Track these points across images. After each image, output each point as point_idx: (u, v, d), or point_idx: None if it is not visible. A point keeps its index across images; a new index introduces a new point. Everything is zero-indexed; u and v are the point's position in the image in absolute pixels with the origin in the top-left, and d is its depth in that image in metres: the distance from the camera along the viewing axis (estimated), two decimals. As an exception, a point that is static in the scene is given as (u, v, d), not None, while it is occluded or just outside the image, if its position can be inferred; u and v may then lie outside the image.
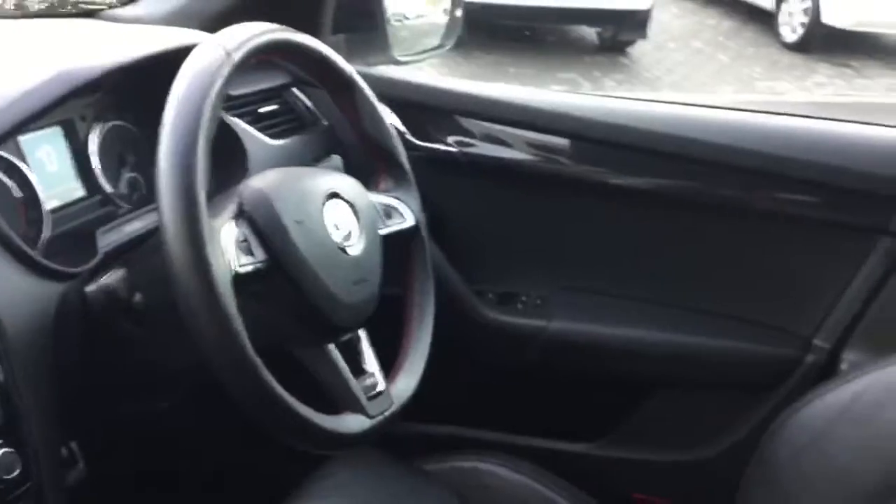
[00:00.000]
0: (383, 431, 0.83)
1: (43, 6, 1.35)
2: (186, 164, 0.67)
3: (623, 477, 1.25)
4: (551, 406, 1.25)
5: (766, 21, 6.90)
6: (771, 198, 1.15)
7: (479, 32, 5.29)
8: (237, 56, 0.73)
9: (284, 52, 0.85)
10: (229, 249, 0.70)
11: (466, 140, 1.19)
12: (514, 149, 1.21)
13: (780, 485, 0.99)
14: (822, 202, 1.14)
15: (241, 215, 0.73)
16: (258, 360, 0.69)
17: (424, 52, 1.38)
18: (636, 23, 5.87)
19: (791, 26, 6.61)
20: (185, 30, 1.02)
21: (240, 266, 0.71)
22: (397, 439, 1.01)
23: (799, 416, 0.98)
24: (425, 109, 1.21)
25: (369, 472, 1.07)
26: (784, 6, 6.70)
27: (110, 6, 1.20)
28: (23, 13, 1.28)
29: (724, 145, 1.14)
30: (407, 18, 1.36)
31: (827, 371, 1.13)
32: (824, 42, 6.36)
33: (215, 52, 0.73)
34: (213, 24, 1.00)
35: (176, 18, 1.11)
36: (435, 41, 1.42)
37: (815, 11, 6.39)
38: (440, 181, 1.15)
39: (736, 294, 1.19)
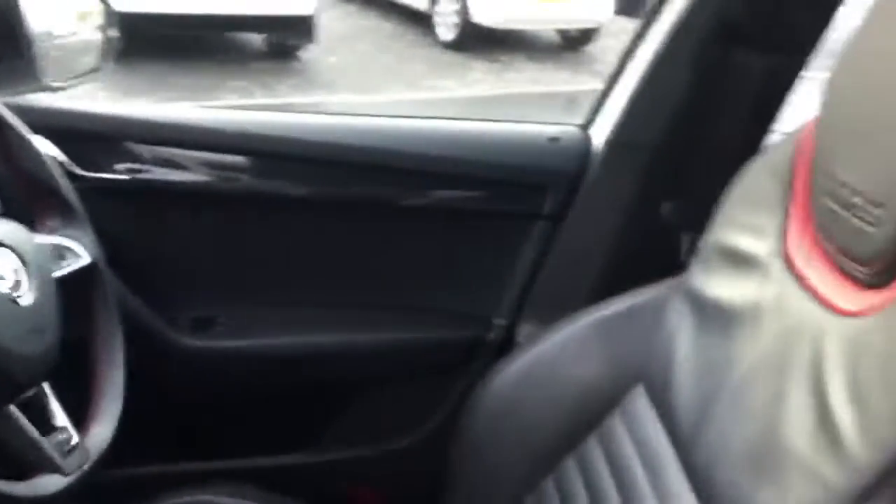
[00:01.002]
0: (84, 486, 0.78)
1: None
2: None
3: (341, 477, 1.29)
4: (264, 423, 1.25)
5: (423, 22, 7.31)
6: (441, 195, 1.25)
7: (143, 44, 5.03)
8: None
9: None
10: None
11: (138, 166, 1.14)
12: (189, 171, 1.18)
13: (481, 453, 1.09)
14: (484, 195, 1.26)
15: None
16: None
17: (81, 74, 1.29)
18: (303, 28, 5.92)
19: (446, 26, 7.08)
20: None
21: None
22: (108, 489, 0.96)
23: (489, 389, 1.08)
24: (89, 137, 1.13)
25: None
26: (437, 8, 7.16)
27: None
28: None
29: (393, 150, 1.21)
30: (56, 37, 1.27)
31: (508, 345, 1.25)
32: (477, 40, 6.89)
33: None
34: None
35: None
36: (92, 61, 1.33)
37: (464, 12, 6.91)
38: (116, 211, 1.09)
39: (419, 288, 1.28)
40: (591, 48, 7.31)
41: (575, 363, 1.04)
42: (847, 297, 0.75)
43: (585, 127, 1.26)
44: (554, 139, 1.24)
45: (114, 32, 1.37)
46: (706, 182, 1.03)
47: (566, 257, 1.24)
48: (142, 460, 1.18)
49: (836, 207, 0.76)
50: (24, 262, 0.77)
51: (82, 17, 1.37)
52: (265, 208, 1.21)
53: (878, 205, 0.70)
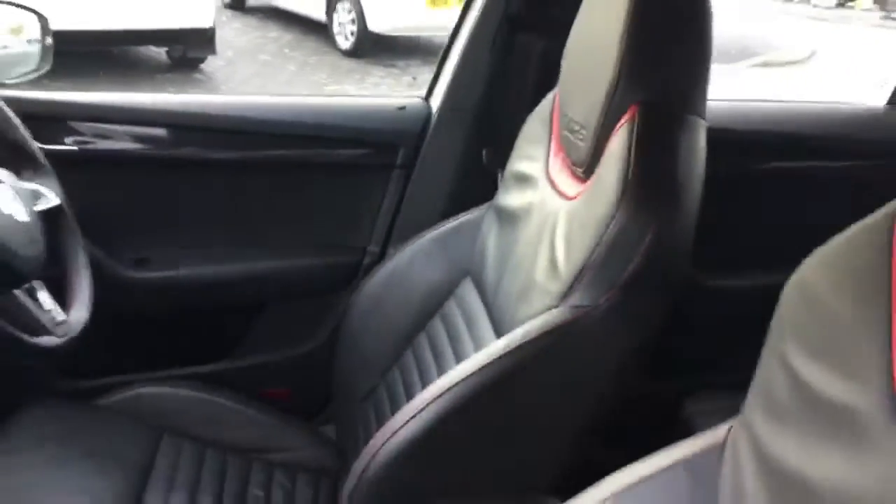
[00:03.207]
0: (69, 347, 1.12)
1: None
2: None
3: (254, 379, 1.63)
4: (190, 338, 1.59)
5: (322, 32, 7.60)
6: (321, 154, 1.62)
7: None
8: None
9: None
10: None
11: (82, 139, 1.48)
12: (121, 141, 1.51)
13: (357, 342, 1.47)
14: (353, 153, 1.64)
15: None
16: None
17: (25, 74, 1.60)
18: (203, 40, 6.07)
19: (344, 35, 7.38)
20: None
21: None
22: (79, 394, 1.29)
23: (361, 294, 1.46)
24: (42, 118, 1.45)
25: (54, 414, 1.33)
26: (335, 17, 7.44)
27: None
28: None
29: (283, 121, 1.58)
30: (-3, 48, 1.57)
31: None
32: (373, 47, 7.22)
33: None
34: None
35: None
36: (29, 66, 1.64)
37: (360, 20, 7.23)
38: (68, 176, 1.41)
39: (310, 226, 1.65)
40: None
41: (422, 267, 1.43)
42: (572, 189, 1.17)
43: (426, 98, 1.66)
44: (402, 108, 1.64)
45: (51, 43, 1.68)
46: (510, 132, 1.44)
47: (417, 195, 1.64)
48: (97, 371, 1.51)
49: (568, 135, 1.18)
50: (17, 195, 1.11)
51: (15, 31, 1.68)
52: (183, 169, 1.56)
53: (583, 127, 1.12)
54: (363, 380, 1.45)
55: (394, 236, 1.64)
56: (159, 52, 6.48)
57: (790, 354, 0.64)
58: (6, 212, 1.07)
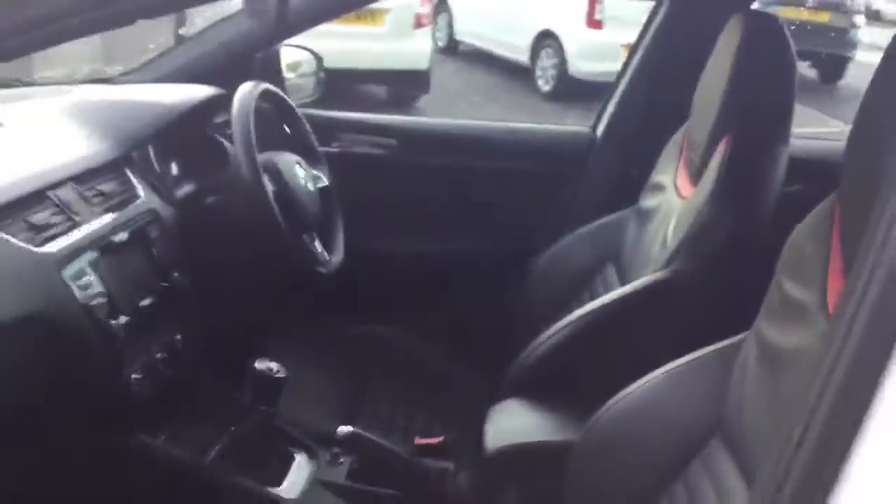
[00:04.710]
0: (332, 277, 1.68)
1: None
2: (250, 146, 1.49)
3: (448, 331, 2.12)
4: (403, 295, 2.13)
5: (525, 76, 8.15)
6: (514, 165, 2.14)
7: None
8: (257, 95, 1.58)
9: (267, 96, 1.68)
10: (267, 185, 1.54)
11: (342, 143, 2.08)
12: (368, 146, 2.10)
13: (529, 306, 1.94)
14: (538, 165, 2.14)
15: (265, 170, 1.57)
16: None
17: (305, 97, 2.21)
18: (419, 80, 6.75)
19: (545, 79, 7.93)
20: (196, 85, 1.80)
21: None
22: (320, 326, 1.85)
23: (534, 270, 1.95)
24: (317, 127, 2.05)
25: (305, 336, 1.90)
26: (538, 62, 8.01)
27: (121, 74, 1.96)
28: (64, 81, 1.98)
29: (486, 138, 2.12)
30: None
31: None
32: (573, 91, 7.61)
33: (248, 96, 1.56)
34: (196, 80, 1.80)
35: (173, 78, 1.88)
36: (306, 94, 2.25)
37: (562, 66, 7.74)
38: (333, 169, 1.99)
39: (500, 220, 2.16)
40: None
41: (575, 253, 1.91)
42: (687, 191, 1.60)
43: (593, 127, 2.14)
44: (574, 133, 2.13)
45: (322, 76, 2.29)
46: (653, 153, 1.88)
47: (580, 200, 2.12)
48: (334, 311, 2.06)
49: (692, 155, 1.62)
50: (307, 174, 1.69)
51: (291, 67, 2.29)
52: (410, 170, 2.13)
53: (698, 146, 1.55)
54: (530, 335, 1.92)
55: (561, 229, 2.11)
56: (379, 90, 7.22)
57: (782, 278, 1.03)
58: (302, 184, 1.66)
